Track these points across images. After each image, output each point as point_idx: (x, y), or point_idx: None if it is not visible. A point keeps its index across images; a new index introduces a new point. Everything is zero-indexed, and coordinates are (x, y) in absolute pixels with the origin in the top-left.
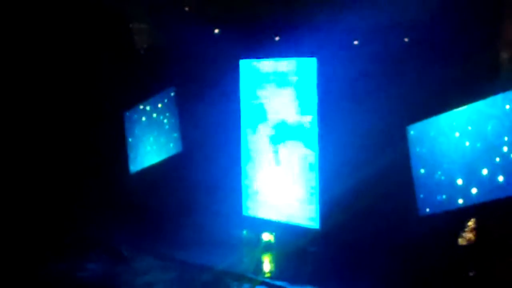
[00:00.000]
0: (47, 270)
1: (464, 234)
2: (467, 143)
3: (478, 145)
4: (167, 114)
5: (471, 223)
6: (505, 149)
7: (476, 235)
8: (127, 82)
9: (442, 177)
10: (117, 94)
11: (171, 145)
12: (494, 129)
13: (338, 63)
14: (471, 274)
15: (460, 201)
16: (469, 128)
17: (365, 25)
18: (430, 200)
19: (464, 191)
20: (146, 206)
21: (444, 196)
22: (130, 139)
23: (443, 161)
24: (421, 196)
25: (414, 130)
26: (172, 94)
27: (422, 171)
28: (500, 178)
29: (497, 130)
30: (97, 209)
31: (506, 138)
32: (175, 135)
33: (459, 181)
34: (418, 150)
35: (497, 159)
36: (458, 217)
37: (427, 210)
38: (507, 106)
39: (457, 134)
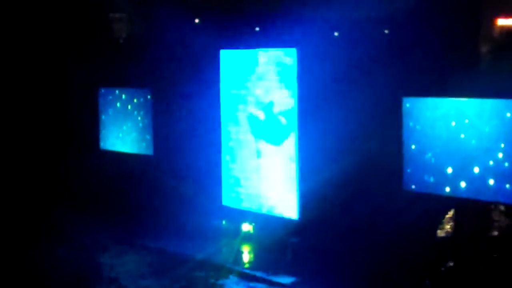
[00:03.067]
0: (17, 256)
1: (443, 226)
2: (462, 135)
3: (473, 142)
4: (142, 113)
5: (450, 215)
6: (500, 155)
7: (454, 227)
8: (105, 64)
9: (433, 160)
10: (93, 72)
11: (144, 144)
12: (492, 132)
13: (319, 53)
14: (449, 265)
15: (447, 189)
16: (466, 121)
17: (345, 16)
18: (417, 177)
19: (452, 181)
20: (122, 195)
21: (432, 179)
22: (103, 116)
23: (435, 144)
24: (408, 170)
25: (409, 103)
26: (149, 96)
27: (413, 147)
28: (491, 182)
29: (495, 134)
30: (67, 191)
31: (502, 145)
32: (148, 137)
33: (449, 170)
34: (411, 124)
35: (491, 162)
36: (439, 208)
37: (413, 186)
38: (508, 114)
39: (453, 124)
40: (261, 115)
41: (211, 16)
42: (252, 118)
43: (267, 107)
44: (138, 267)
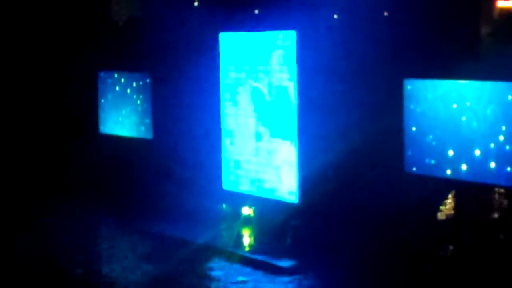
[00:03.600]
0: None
1: (443, 209)
2: (464, 118)
3: (474, 124)
4: (141, 97)
5: (450, 198)
6: (501, 138)
7: (455, 210)
8: (104, 47)
9: (434, 142)
10: (92, 56)
11: (143, 128)
12: (493, 115)
13: (318, 36)
14: (449, 248)
15: (449, 172)
16: (468, 104)
17: None
18: (418, 159)
19: (453, 164)
20: (120, 177)
21: (433, 161)
22: (102, 100)
23: (436, 127)
24: (409, 153)
25: (411, 86)
26: (148, 80)
27: (414, 129)
28: (492, 165)
29: (496, 117)
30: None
31: (504, 128)
32: (147, 120)
33: (450, 152)
34: (412, 107)
35: (492, 145)
36: (440, 190)
37: (414, 169)
38: (510, 97)
39: (454, 106)
40: (260, 97)
41: None
42: (253, 100)
43: (266, 89)
44: (137, 251)
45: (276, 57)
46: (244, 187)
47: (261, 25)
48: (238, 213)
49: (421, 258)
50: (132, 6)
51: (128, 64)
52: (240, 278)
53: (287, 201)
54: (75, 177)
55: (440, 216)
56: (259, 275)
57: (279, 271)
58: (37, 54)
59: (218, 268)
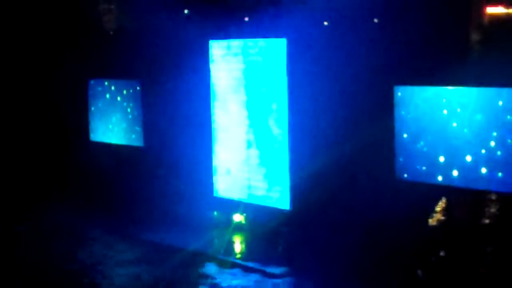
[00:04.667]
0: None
1: (435, 215)
2: (454, 124)
3: (466, 130)
4: (131, 104)
5: (442, 204)
6: (492, 143)
7: (447, 216)
8: (94, 55)
9: (425, 148)
10: (82, 64)
11: (133, 136)
12: (484, 121)
13: (308, 43)
14: (440, 254)
15: (440, 178)
16: (458, 110)
17: (335, 5)
18: (409, 166)
19: (445, 170)
20: (111, 185)
21: (424, 168)
22: (92, 108)
23: (427, 133)
24: (401, 159)
25: (401, 92)
26: (138, 88)
27: (405, 135)
28: (483, 170)
29: (487, 123)
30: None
31: (494, 133)
32: (137, 128)
33: (441, 158)
34: (403, 113)
35: (483, 151)
36: (432, 197)
37: (405, 175)
38: (500, 103)
39: (445, 112)
40: (252, 105)
41: (200, 6)
42: (243, 108)
43: (257, 97)
44: (129, 258)
45: (266, 64)
46: (235, 194)
47: (251, 33)
48: (229, 220)
49: (413, 264)
50: (122, 14)
51: (118, 71)
52: (232, 284)
53: (279, 207)
54: (66, 185)
55: (432, 222)
56: (250, 281)
57: (270, 277)
58: (28, 62)
59: (210, 275)
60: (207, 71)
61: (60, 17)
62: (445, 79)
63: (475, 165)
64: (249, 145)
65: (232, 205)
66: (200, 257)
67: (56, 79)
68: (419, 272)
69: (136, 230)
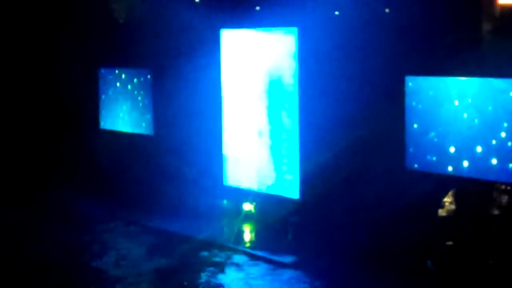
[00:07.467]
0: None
1: (445, 205)
2: (465, 115)
3: (476, 121)
4: (142, 93)
5: (452, 195)
6: (503, 134)
7: (457, 207)
8: (105, 44)
9: (435, 139)
10: (93, 52)
11: (144, 124)
12: (495, 111)
13: (320, 33)
14: (449, 244)
15: (450, 168)
16: (469, 100)
17: None
18: (419, 156)
19: (455, 161)
20: (122, 174)
21: (434, 158)
22: (103, 96)
23: (438, 124)
24: (411, 150)
25: (412, 83)
26: (149, 76)
27: (415, 126)
28: (494, 161)
29: (497, 114)
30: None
31: (505, 124)
32: (148, 116)
33: (452, 149)
34: (414, 104)
35: (493, 142)
36: (442, 187)
37: (415, 166)
38: (511, 93)
39: (456, 103)
40: (262, 93)
41: None
42: (254, 96)
43: (268, 85)
44: (139, 246)
45: (277, 53)
46: (245, 183)
47: (262, 22)
48: (239, 209)
49: (423, 254)
50: (133, 2)
51: (129, 60)
52: (241, 274)
53: (288, 197)
54: (76, 173)
55: (442, 212)
56: (259, 270)
57: (280, 266)
58: (38, 50)
59: (219, 263)
60: (218, 59)
61: (71, 5)
62: (456, 69)
63: (486, 156)
64: (259, 134)
65: (242, 194)
66: (209, 246)
67: (67, 68)
68: (429, 262)
69: (145, 219)
